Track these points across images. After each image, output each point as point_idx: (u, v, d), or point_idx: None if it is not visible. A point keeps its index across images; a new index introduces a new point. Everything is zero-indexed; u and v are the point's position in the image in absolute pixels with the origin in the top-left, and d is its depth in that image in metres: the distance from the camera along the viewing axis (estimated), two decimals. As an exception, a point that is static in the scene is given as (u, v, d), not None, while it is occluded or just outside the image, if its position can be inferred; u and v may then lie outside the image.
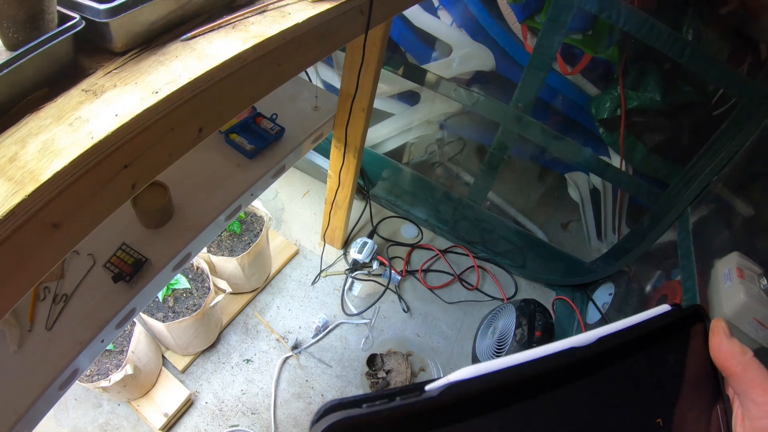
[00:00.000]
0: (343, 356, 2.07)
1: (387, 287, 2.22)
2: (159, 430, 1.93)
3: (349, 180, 1.84)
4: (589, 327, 2.01)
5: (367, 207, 2.45)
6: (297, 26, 0.84)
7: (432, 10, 2.01)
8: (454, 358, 2.16)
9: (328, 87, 2.23)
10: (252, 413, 1.99)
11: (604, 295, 2.23)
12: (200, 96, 0.74)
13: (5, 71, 0.64)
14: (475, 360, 2.07)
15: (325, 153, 2.35)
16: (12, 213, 0.55)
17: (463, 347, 2.18)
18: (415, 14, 1.98)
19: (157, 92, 0.68)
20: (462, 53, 2.02)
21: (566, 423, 0.37)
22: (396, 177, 2.42)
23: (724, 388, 0.43)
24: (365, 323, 2.14)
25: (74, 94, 0.69)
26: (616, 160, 1.99)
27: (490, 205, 2.37)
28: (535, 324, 1.88)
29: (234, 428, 1.96)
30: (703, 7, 1.59)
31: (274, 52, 0.83)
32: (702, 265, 1.61)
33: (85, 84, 0.71)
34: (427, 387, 0.31)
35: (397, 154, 2.42)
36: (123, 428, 1.99)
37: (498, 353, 1.93)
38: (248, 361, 2.06)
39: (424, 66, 2.02)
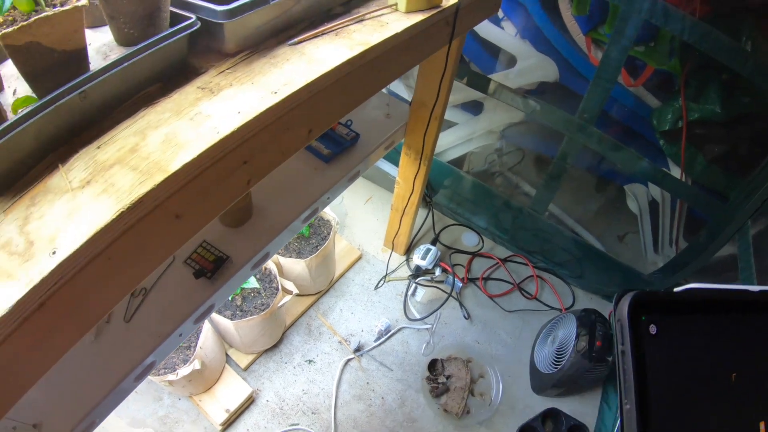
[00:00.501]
0: (404, 360, 2.08)
1: (450, 294, 2.23)
2: (219, 425, 1.96)
3: (419, 187, 1.87)
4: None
5: (430, 214, 2.47)
6: (396, 35, 0.87)
7: (496, 21, 2.03)
8: (513, 365, 2.16)
9: (392, 95, 2.25)
10: (312, 413, 2.01)
11: (660, 308, 2.18)
12: (314, 98, 0.77)
13: (124, 65, 0.68)
14: (534, 369, 2.07)
15: (391, 160, 2.40)
16: (140, 201, 0.59)
17: (522, 355, 2.17)
18: (481, 25, 2.00)
19: (275, 93, 0.72)
20: (526, 64, 2.02)
21: None
22: (457, 185, 2.42)
23: None
24: (426, 328, 2.15)
25: (190, 91, 0.74)
26: (675, 172, 1.97)
27: (549, 215, 2.36)
28: (596, 334, 1.86)
29: (294, 427, 1.98)
30: (760, 18, 1.58)
31: (376, 59, 0.86)
32: (763, 279, 1.58)
33: (199, 82, 0.75)
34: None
35: (458, 162, 2.42)
36: (182, 422, 2.02)
37: (557, 363, 1.92)
38: (310, 361, 2.09)
39: (488, 76, 2.02)
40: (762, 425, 0.46)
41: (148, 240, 0.63)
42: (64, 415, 1.03)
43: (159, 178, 0.59)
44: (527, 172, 2.43)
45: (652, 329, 0.46)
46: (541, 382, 2.05)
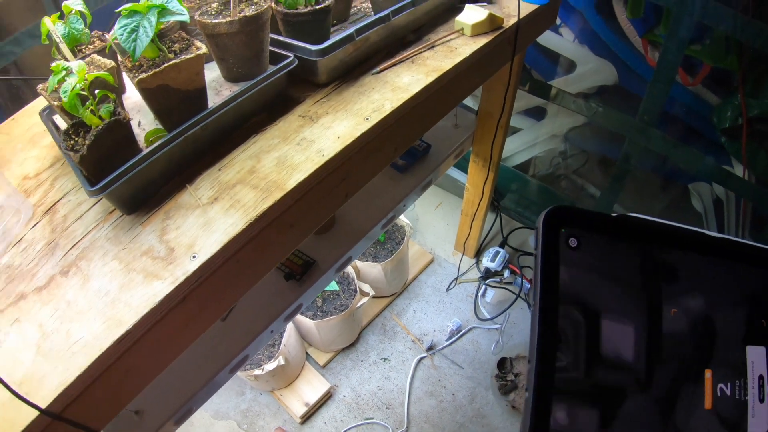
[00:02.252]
0: (475, 359, 2.14)
1: (518, 295, 2.27)
2: (299, 418, 2.05)
3: (487, 192, 1.94)
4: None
5: (498, 218, 2.52)
6: (465, 60, 0.96)
7: (554, 28, 2.07)
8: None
9: (459, 106, 2.32)
10: (386, 408, 2.09)
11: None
12: (399, 121, 0.87)
13: (238, 100, 0.81)
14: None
15: (459, 167, 2.47)
16: (264, 214, 0.71)
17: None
18: (540, 33, 2.04)
19: (367, 119, 0.82)
20: (585, 68, 2.07)
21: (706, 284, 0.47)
22: (524, 189, 2.48)
23: None
24: (496, 328, 2.21)
25: (292, 119, 0.85)
26: (738, 170, 1.97)
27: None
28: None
29: (369, 421, 2.06)
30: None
31: (449, 82, 0.95)
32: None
33: (299, 110, 0.87)
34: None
35: (523, 167, 2.48)
36: (264, 415, 2.12)
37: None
38: (385, 359, 2.17)
39: (549, 82, 2.08)
40: (708, 373, 0.44)
41: (267, 245, 0.76)
42: (164, 404, 1.14)
43: (278, 195, 0.72)
44: (592, 174, 2.46)
45: (572, 242, 0.45)
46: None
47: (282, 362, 1.83)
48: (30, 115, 1.10)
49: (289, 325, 1.90)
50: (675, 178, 2.28)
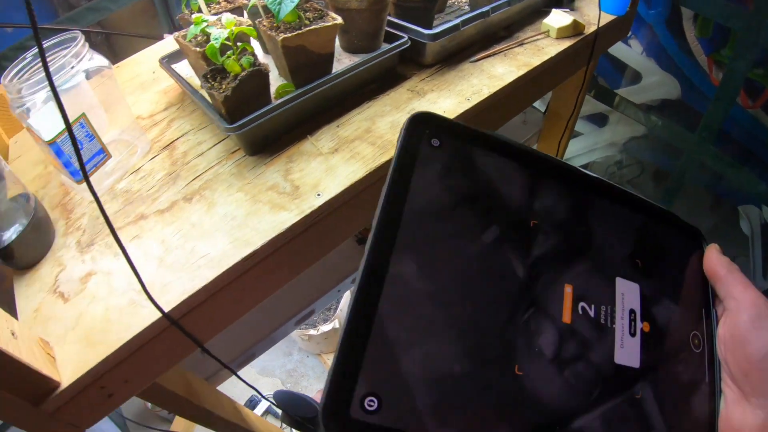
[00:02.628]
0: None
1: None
2: None
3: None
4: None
5: None
6: (550, 59, 1.04)
7: (624, 39, 2.12)
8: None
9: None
10: None
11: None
12: (492, 107, 0.97)
13: (358, 69, 0.92)
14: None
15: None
16: (381, 167, 0.81)
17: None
18: (611, 43, 2.10)
19: (468, 99, 0.92)
20: (651, 81, 2.12)
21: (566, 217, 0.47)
22: None
23: (713, 303, 0.48)
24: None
25: (401, 92, 0.96)
26: None
27: None
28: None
29: None
30: None
31: (534, 78, 1.03)
32: None
33: (407, 85, 0.97)
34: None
35: (580, 171, 2.51)
36: (308, 377, 2.22)
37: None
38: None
39: (615, 90, 2.14)
40: (568, 288, 0.42)
41: (377, 196, 0.85)
42: (230, 345, 1.23)
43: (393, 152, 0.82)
44: (645, 186, 2.49)
45: (435, 142, 0.42)
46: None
47: (337, 325, 1.94)
48: (133, 65, 1.23)
49: (346, 293, 2.00)
50: (726, 197, 2.30)
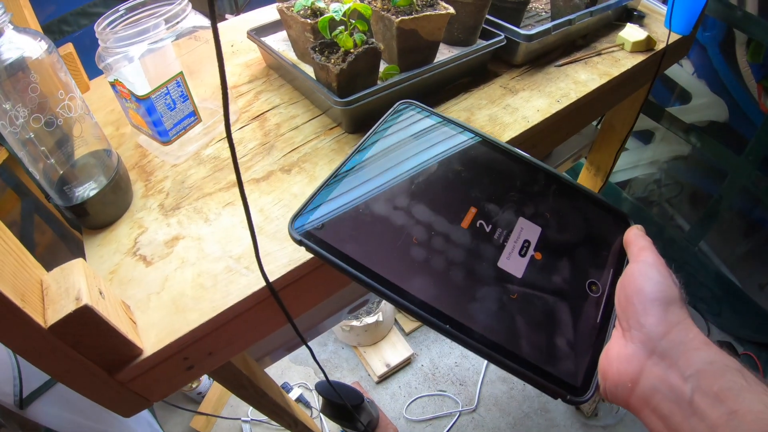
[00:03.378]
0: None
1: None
2: (377, 377, 2.15)
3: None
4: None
5: None
6: (626, 71, 1.06)
7: None
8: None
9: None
10: (460, 384, 2.18)
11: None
12: (578, 110, 0.99)
13: (459, 61, 0.95)
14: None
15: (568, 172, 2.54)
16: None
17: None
18: (665, 62, 2.09)
19: (558, 101, 0.94)
20: (700, 102, 2.13)
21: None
22: (618, 205, 2.40)
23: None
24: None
25: (494, 88, 0.98)
26: None
27: (698, 250, 2.40)
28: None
29: (441, 393, 2.15)
30: None
31: (612, 88, 1.05)
32: None
33: (499, 82, 0.99)
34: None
35: (621, 186, 2.55)
36: (341, 368, 2.22)
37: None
38: (467, 340, 2.24)
39: (665, 108, 2.14)
40: (473, 209, 0.56)
41: None
42: (283, 330, 1.25)
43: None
44: (683, 206, 2.49)
45: (318, 226, 0.57)
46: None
47: (380, 318, 1.95)
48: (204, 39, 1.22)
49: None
50: (763, 224, 2.30)
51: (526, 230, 0.58)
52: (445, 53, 1.01)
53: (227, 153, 0.86)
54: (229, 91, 0.93)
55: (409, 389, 2.18)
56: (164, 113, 0.80)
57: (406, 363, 2.24)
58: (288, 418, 1.40)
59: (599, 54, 1.11)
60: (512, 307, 0.52)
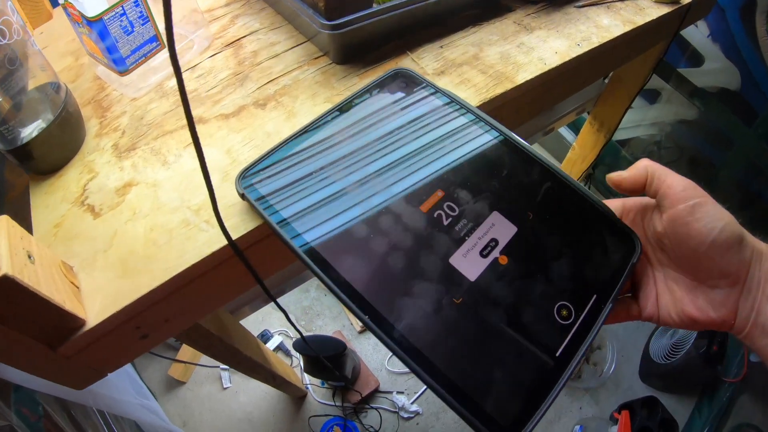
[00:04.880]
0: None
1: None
2: (360, 326, 2.15)
3: (593, 156, 1.93)
4: (752, 364, 2.01)
5: (588, 186, 2.49)
6: (651, 21, 0.96)
7: None
8: (629, 347, 2.24)
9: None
10: None
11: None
12: (598, 57, 0.89)
13: None
14: (646, 356, 2.17)
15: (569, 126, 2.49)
16: (494, 99, 0.74)
17: (639, 340, 2.25)
18: (679, 18, 2.01)
19: (579, 45, 0.84)
20: (713, 66, 2.04)
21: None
22: (616, 165, 2.46)
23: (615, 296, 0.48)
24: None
25: (507, 23, 0.87)
26: None
27: None
28: (715, 338, 1.93)
29: None
30: None
31: (634, 38, 0.96)
32: None
33: (513, 17, 0.89)
34: None
35: (621, 145, 2.49)
36: (323, 316, 2.22)
37: (671, 356, 2.00)
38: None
39: (676, 68, 2.07)
40: (439, 192, 0.52)
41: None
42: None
43: (508, 85, 0.74)
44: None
45: (264, 179, 0.57)
46: (649, 370, 2.13)
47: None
48: None
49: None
50: (760, 198, 2.24)
51: (498, 227, 0.51)
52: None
53: (195, 84, 0.77)
54: (202, 15, 0.85)
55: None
56: (120, 38, 0.70)
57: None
58: (264, 373, 1.36)
59: (623, 0, 1.00)
60: (451, 313, 0.45)
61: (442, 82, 0.75)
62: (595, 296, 0.47)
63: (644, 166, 0.50)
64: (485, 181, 0.53)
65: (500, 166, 0.55)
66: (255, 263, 0.58)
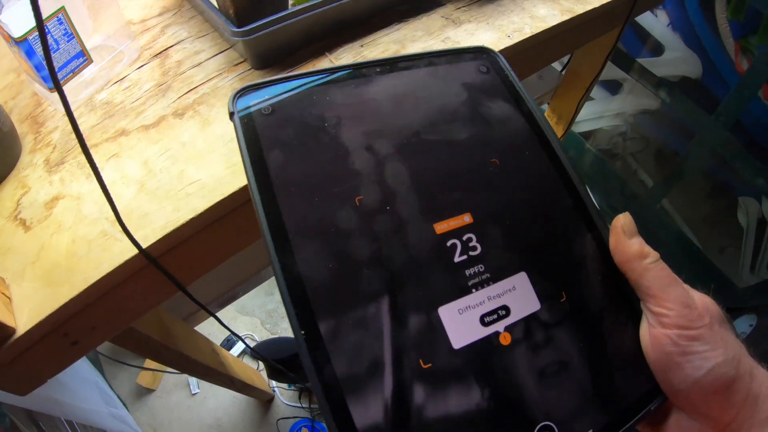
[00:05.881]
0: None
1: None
2: None
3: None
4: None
5: None
6: (593, 9, 0.95)
7: (653, 8, 2.05)
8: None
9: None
10: None
11: (744, 325, 2.20)
12: (534, 48, 0.88)
13: None
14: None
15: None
16: None
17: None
18: (638, 10, 2.02)
19: (509, 36, 0.83)
20: (673, 56, 2.05)
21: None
22: (580, 157, 2.48)
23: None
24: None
25: (435, 18, 0.86)
26: None
27: (660, 208, 2.37)
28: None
29: None
30: None
31: (575, 27, 0.95)
32: None
33: (441, 12, 0.88)
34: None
35: (584, 136, 2.49)
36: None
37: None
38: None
39: (636, 59, 2.07)
40: (466, 218, 0.40)
41: None
42: (212, 285, 1.20)
43: None
44: (647, 162, 2.43)
45: (266, 110, 0.42)
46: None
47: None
48: None
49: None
50: (727, 187, 2.25)
51: (517, 295, 0.39)
52: (378, -26, 0.88)
53: (121, 96, 0.78)
54: (134, 27, 0.88)
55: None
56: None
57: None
58: (223, 378, 1.36)
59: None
60: (408, 377, 0.34)
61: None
62: (591, 431, 0.36)
63: (625, 271, 0.41)
64: (531, 230, 0.42)
65: (557, 221, 0.43)
66: (174, 269, 0.61)
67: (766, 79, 1.67)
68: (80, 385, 1.54)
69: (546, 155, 0.46)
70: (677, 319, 0.37)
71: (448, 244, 0.39)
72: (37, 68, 0.71)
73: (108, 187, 0.61)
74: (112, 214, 0.57)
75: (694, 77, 2.04)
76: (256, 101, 0.42)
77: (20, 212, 0.64)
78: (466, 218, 0.40)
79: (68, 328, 0.59)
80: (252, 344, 2.17)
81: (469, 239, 0.39)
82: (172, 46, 0.86)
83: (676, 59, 2.05)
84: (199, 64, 0.81)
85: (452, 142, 0.44)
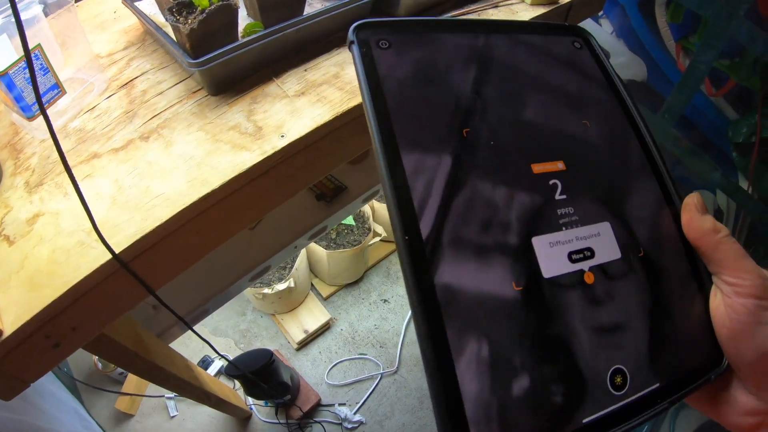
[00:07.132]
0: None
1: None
2: (296, 343, 2.17)
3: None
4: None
5: None
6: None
7: (595, 18, 2.16)
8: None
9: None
10: (380, 346, 2.19)
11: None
12: None
13: (331, 14, 0.90)
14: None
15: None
16: (349, 111, 0.80)
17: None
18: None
19: None
20: (619, 61, 2.12)
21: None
22: None
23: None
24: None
25: None
26: (743, 185, 2.03)
27: None
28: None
29: (362, 356, 2.16)
30: None
31: None
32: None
33: None
34: None
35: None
36: (261, 337, 2.24)
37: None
38: (385, 301, 2.29)
39: None
40: (560, 165, 0.42)
41: (345, 140, 0.84)
42: (183, 299, 1.21)
43: (357, 100, 0.81)
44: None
45: (383, 44, 0.43)
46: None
47: (291, 285, 1.94)
48: (93, 5, 1.18)
49: (302, 252, 1.99)
50: (680, 181, 2.25)
51: (602, 241, 0.41)
52: (317, 6, 0.96)
53: (93, 124, 0.85)
54: (102, 60, 0.95)
55: (329, 354, 2.20)
56: (24, 88, 0.79)
57: (325, 328, 2.26)
58: (197, 392, 1.39)
59: (496, 6, 1.06)
60: (500, 296, 0.36)
61: (300, 102, 0.82)
62: (657, 385, 0.38)
63: (699, 245, 0.42)
64: (615, 188, 0.45)
65: (640, 186, 0.46)
66: (145, 273, 0.69)
67: (707, 73, 1.77)
68: (59, 412, 1.55)
69: (630, 127, 0.49)
70: (753, 289, 0.37)
71: (546, 182, 0.41)
72: (17, 99, 0.78)
73: (85, 201, 0.68)
74: (88, 226, 0.64)
75: (639, 80, 2.14)
76: (374, 36, 0.44)
77: (4, 229, 0.70)
78: (560, 165, 0.43)
79: (50, 329, 0.64)
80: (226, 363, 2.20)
81: (564, 182, 0.42)
82: (137, 77, 0.93)
83: (622, 64, 2.12)
84: (162, 92, 0.89)
85: (550, 99, 0.47)
